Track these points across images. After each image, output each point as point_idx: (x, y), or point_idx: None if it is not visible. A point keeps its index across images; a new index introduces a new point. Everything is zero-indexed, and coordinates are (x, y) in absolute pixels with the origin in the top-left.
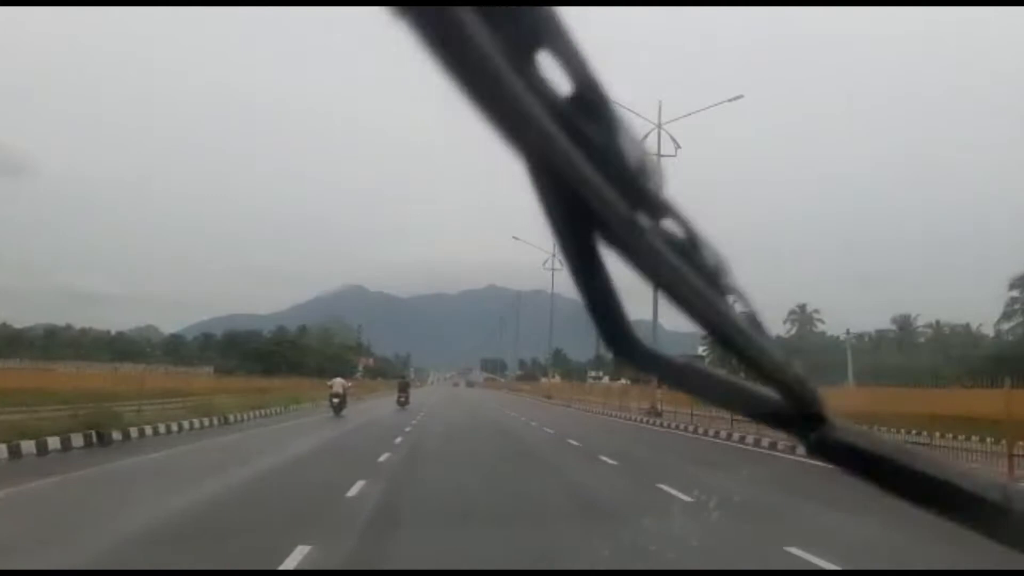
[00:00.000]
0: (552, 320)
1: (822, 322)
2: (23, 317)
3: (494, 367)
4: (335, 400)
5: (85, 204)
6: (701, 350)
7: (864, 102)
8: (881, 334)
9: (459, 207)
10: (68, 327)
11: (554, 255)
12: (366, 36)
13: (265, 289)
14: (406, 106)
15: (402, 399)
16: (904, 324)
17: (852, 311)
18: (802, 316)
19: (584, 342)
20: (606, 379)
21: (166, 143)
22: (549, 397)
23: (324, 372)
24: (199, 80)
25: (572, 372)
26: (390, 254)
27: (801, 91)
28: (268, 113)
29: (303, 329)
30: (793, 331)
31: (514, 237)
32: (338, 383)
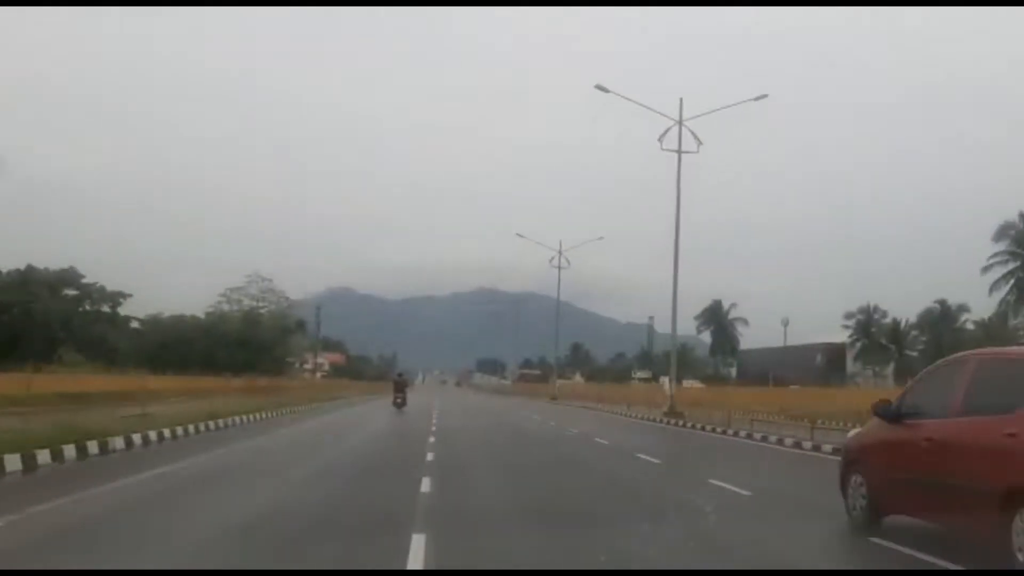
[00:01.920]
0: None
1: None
2: None
3: (492, 368)
4: None
5: (70, 203)
6: (848, 337)
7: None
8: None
9: (449, 209)
10: None
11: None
12: (364, 35)
13: None
14: (401, 105)
15: (399, 400)
16: None
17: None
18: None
19: (588, 343)
20: (664, 380)
21: (159, 143)
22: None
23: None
24: (190, 78)
25: (597, 373)
26: (378, 257)
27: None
28: (261, 111)
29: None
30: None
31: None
32: None
